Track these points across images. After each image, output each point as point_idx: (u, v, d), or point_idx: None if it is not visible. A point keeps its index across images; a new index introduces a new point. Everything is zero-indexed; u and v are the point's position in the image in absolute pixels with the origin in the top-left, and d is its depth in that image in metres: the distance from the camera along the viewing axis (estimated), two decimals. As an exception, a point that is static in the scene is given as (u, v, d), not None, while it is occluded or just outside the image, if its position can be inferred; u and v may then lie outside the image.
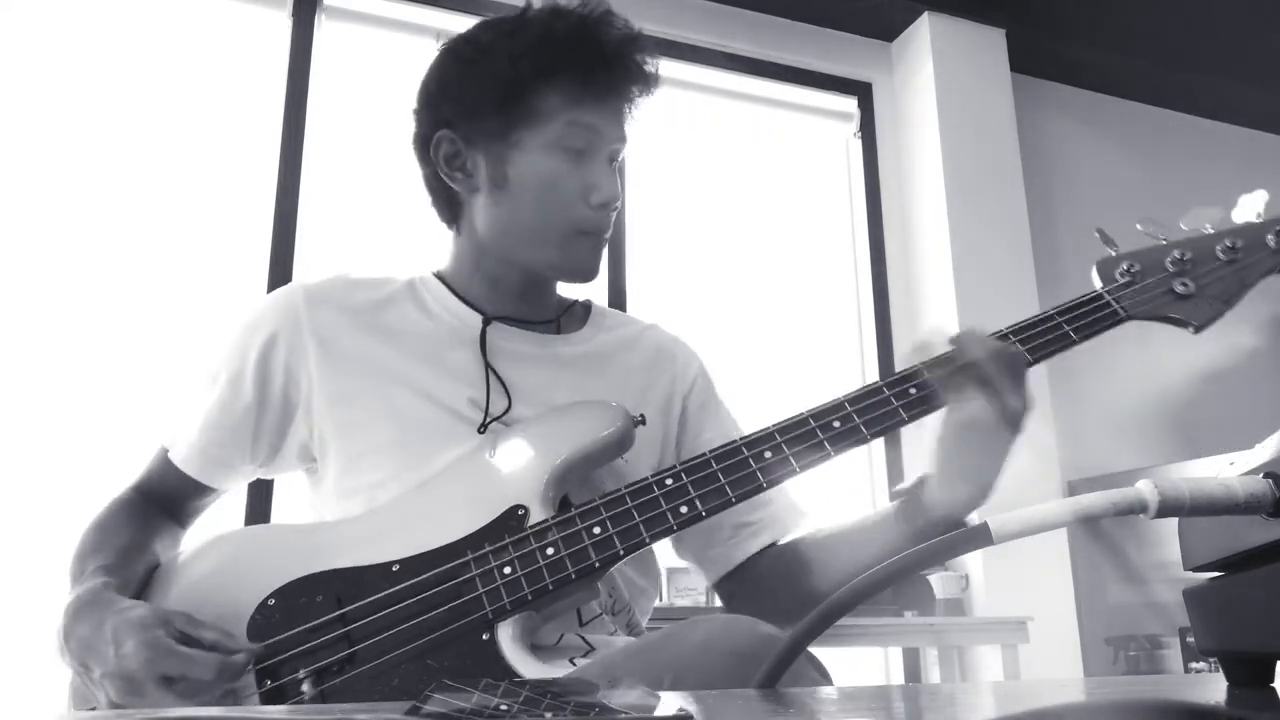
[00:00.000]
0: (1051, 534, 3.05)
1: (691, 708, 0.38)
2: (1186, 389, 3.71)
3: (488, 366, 1.00)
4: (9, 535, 2.22)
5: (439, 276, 1.09)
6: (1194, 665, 2.87)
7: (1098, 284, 0.97)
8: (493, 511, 0.88)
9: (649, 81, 1.03)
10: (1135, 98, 4.08)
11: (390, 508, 0.93)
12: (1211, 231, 0.98)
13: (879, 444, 3.26)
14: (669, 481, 0.87)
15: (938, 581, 2.89)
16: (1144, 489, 0.44)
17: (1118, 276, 0.97)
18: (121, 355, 2.45)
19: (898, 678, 3.12)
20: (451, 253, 1.09)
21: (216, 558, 0.93)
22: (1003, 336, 0.93)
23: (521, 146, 0.99)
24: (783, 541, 1.08)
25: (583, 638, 0.93)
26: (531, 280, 1.05)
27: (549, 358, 1.05)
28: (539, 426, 0.95)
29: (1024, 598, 2.88)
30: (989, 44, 3.57)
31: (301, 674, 0.82)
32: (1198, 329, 0.94)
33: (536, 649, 0.86)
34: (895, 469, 3.19)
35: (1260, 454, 0.47)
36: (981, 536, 0.45)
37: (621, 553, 0.84)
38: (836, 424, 0.91)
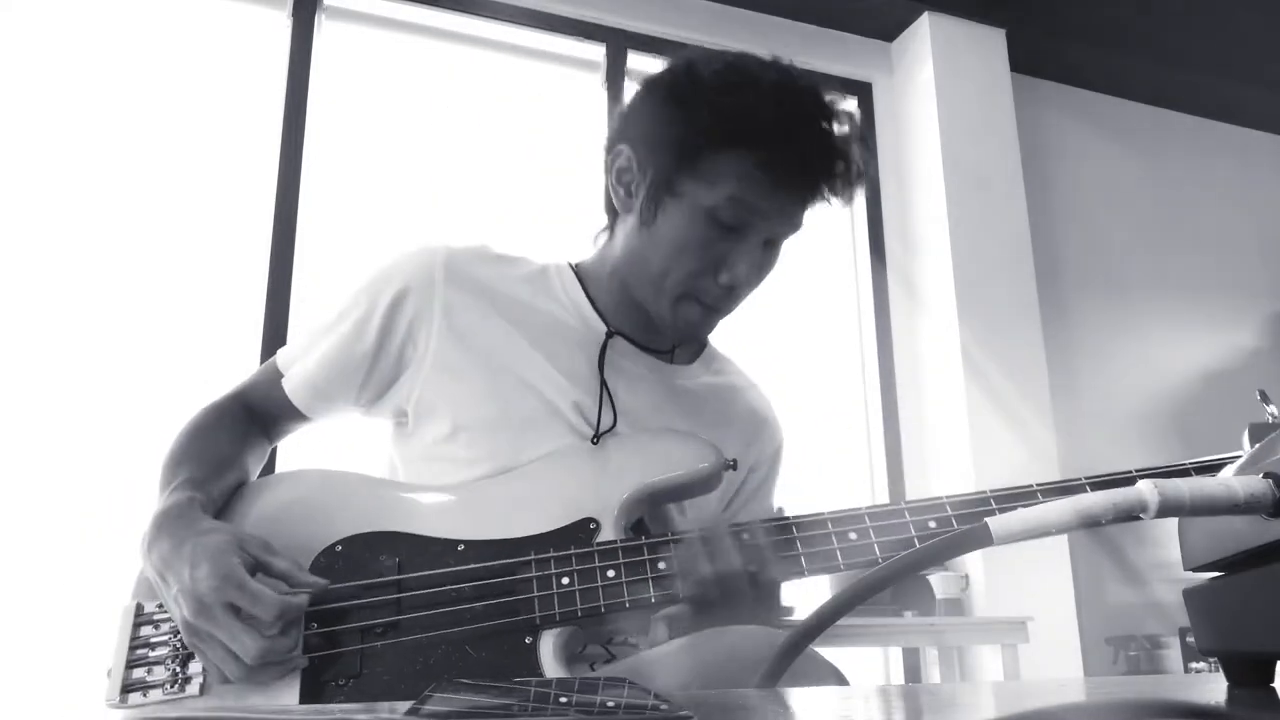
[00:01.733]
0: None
1: (691, 708, 0.38)
2: (1186, 389, 3.71)
3: (603, 383, 1.00)
4: (9, 534, 2.22)
5: (576, 270, 1.09)
6: (1194, 665, 2.87)
7: (1247, 449, 0.93)
8: (565, 518, 0.88)
9: (841, 186, 0.99)
10: (1135, 98, 4.08)
11: (471, 487, 0.94)
12: None
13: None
14: (745, 537, 0.85)
15: (938, 581, 2.89)
16: (1144, 489, 0.44)
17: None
18: (121, 355, 2.45)
19: (898, 678, 3.12)
20: (597, 251, 1.10)
21: (298, 490, 0.96)
22: (1129, 477, 0.88)
23: (680, 198, 0.97)
24: None
25: (606, 649, 0.94)
26: (648, 314, 1.04)
27: (658, 384, 1.05)
28: (632, 445, 0.95)
29: (1024, 598, 2.87)
30: (989, 44, 3.57)
31: (347, 628, 0.84)
32: None
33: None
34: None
35: (1260, 454, 0.47)
36: (981, 537, 0.45)
37: (681, 595, 0.84)
38: (932, 524, 0.87)
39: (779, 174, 0.95)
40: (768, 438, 1.13)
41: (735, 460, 0.94)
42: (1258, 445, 0.48)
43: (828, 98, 0.97)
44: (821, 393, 3.28)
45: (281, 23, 2.86)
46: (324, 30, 2.91)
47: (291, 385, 1.04)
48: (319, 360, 1.02)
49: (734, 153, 0.94)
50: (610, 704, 0.38)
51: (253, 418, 1.05)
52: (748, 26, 3.39)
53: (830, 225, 3.50)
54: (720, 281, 0.97)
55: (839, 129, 0.98)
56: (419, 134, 2.93)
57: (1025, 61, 3.68)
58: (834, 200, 1.00)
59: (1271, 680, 0.47)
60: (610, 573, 0.84)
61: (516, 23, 3.07)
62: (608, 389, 0.99)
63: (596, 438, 0.95)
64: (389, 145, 2.90)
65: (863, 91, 3.59)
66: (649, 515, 0.95)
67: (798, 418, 3.14)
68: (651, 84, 1.04)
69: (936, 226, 3.33)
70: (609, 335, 1.03)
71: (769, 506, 1.12)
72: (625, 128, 1.04)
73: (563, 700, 0.39)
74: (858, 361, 3.40)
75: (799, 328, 3.31)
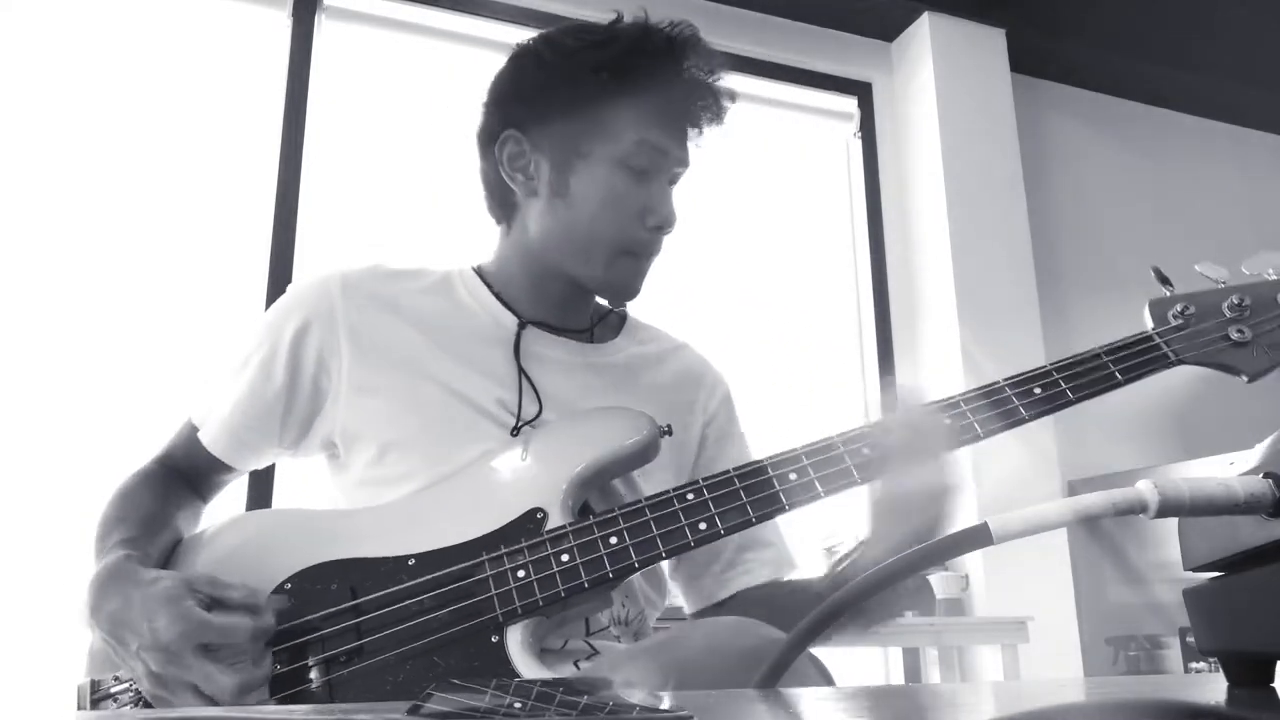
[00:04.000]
0: (1051, 534, 3.05)
1: (691, 707, 0.38)
2: (1186, 388, 3.71)
3: (521, 371, 0.99)
4: (9, 535, 2.22)
5: (478, 272, 1.09)
6: (1194, 665, 2.87)
7: (1149, 324, 0.94)
8: (511, 513, 0.88)
9: (722, 111, 1.04)
10: (1135, 98, 4.08)
11: (411, 501, 0.93)
12: (1275, 278, 0.94)
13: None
14: (690, 496, 0.86)
15: (938, 581, 2.89)
16: (1144, 489, 0.44)
17: (1170, 319, 0.93)
18: (121, 355, 2.45)
19: (898, 678, 3.12)
20: (496, 250, 1.09)
21: (237, 537, 0.94)
22: (1046, 372, 0.91)
23: (589, 158, 0.99)
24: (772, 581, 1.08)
25: (588, 643, 0.93)
26: (574, 290, 1.05)
27: (581, 366, 1.05)
28: (564, 430, 0.95)
29: (1024, 598, 2.87)
30: (989, 44, 3.57)
31: (310, 661, 0.82)
32: (1251, 378, 0.90)
33: (542, 652, 0.86)
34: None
35: (1260, 454, 0.47)
36: (981, 536, 0.45)
37: (637, 565, 0.83)
38: (866, 450, 0.88)
39: (675, 107, 1.01)
40: (708, 389, 1.13)
41: (669, 426, 0.94)
42: (1262, 445, 0.48)
43: (679, 29, 1.02)
44: (822, 393, 3.28)
45: (281, 23, 2.86)
46: (324, 30, 2.91)
47: (209, 437, 1.02)
48: (232, 408, 1.01)
49: (632, 98, 0.99)
50: (611, 704, 0.38)
51: (179, 478, 1.03)
52: (748, 26, 3.39)
53: (831, 225, 3.50)
54: (648, 225, 1.00)
55: (710, 58, 1.03)
56: (419, 134, 2.92)
57: (1025, 61, 3.68)
58: (711, 128, 1.05)
59: (1271, 680, 0.47)
60: (564, 557, 0.83)
61: (516, 23, 3.07)
62: (528, 378, 0.99)
63: (517, 429, 0.95)
64: (389, 145, 2.90)
65: (863, 91, 3.59)
66: (595, 495, 0.94)
67: (798, 418, 3.14)
68: (513, 69, 1.06)
69: (936, 226, 3.33)
70: (522, 326, 1.02)
71: (743, 450, 1.12)
72: (503, 115, 1.05)
73: (563, 700, 0.39)
74: (858, 361, 3.40)
75: (799, 328, 3.31)
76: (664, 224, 1.00)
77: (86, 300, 2.46)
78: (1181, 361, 0.91)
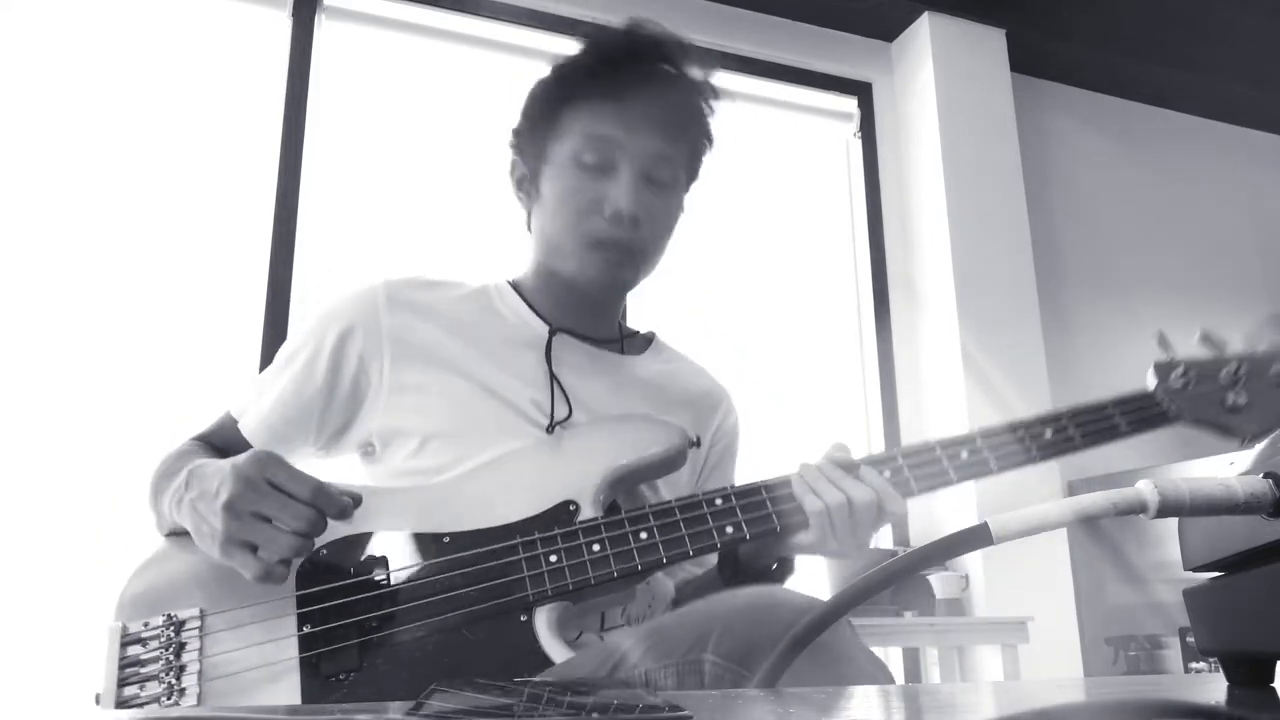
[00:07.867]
0: (1051, 534, 3.05)
1: (691, 708, 0.38)
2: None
3: (552, 374, 1.04)
4: (9, 536, 2.22)
5: (513, 284, 1.14)
6: (1194, 665, 2.87)
7: (1152, 384, 1.01)
8: (545, 503, 0.92)
9: (678, 91, 1.06)
10: (1135, 98, 4.08)
11: (447, 485, 0.97)
12: (1269, 350, 1.03)
13: (878, 440, 3.27)
14: (719, 501, 0.91)
15: (938, 581, 2.89)
16: (1144, 489, 0.44)
17: (1173, 380, 1.01)
18: (120, 355, 2.45)
19: (898, 678, 3.12)
20: (527, 263, 1.15)
21: None
22: (1057, 416, 0.96)
23: (550, 161, 1.05)
24: None
25: (602, 637, 0.96)
26: (579, 295, 1.08)
27: (609, 372, 1.10)
28: (600, 430, 1.00)
29: (1024, 598, 2.87)
30: (989, 44, 3.57)
31: (342, 624, 0.85)
32: (1244, 442, 0.98)
33: None
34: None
35: (1260, 454, 0.47)
36: (981, 536, 0.45)
37: (665, 560, 0.88)
38: (887, 474, 0.93)
39: (618, 96, 1.03)
40: (723, 414, 1.19)
41: (699, 437, 0.99)
42: (1262, 444, 0.48)
43: (637, 25, 1.05)
44: (822, 393, 3.28)
45: (281, 23, 2.86)
46: (324, 30, 2.91)
47: (249, 429, 1.06)
48: (273, 403, 1.05)
49: (576, 100, 1.04)
50: (611, 704, 0.38)
51: (217, 455, 1.06)
52: (748, 26, 3.39)
53: (831, 225, 3.50)
54: (605, 215, 1.01)
55: (653, 42, 1.05)
56: (419, 134, 2.93)
57: (1025, 61, 3.68)
58: (683, 114, 1.07)
59: (1271, 680, 0.47)
60: (595, 547, 0.88)
61: (516, 23, 3.07)
62: (559, 382, 1.03)
63: (551, 427, 0.99)
64: (389, 145, 2.90)
65: (863, 91, 3.59)
66: (623, 497, 0.98)
67: (798, 418, 3.14)
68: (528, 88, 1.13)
69: (936, 226, 3.33)
70: (553, 333, 1.07)
71: (730, 479, 1.17)
72: (511, 137, 1.12)
73: (563, 700, 0.39)
74: (858, 361, 3.40)
75: (799, 328, 3.31)
76: (618, 212, 1.00)
77: (86, 299, 2.46)
78: (1181, 420, 0.98)
